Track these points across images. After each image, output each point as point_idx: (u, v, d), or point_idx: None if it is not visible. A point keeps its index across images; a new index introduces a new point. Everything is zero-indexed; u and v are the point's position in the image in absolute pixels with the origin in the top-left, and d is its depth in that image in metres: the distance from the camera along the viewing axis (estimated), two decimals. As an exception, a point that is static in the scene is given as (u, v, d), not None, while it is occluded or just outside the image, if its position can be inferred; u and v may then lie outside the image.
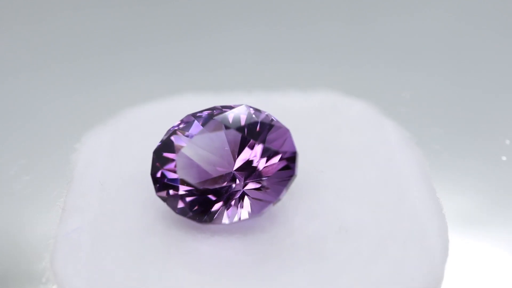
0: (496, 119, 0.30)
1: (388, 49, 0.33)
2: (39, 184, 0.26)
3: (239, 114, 0.23)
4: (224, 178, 0.22)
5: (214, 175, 0.22)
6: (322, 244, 0.22)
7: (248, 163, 0.22)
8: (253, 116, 0.23)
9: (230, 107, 0.23)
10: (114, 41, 0.33)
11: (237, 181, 0.22)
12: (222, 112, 0.23)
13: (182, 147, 0.22)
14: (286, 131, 0.23)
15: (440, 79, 0.32)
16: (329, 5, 0.36)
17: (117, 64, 0.32)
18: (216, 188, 0.22)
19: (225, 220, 0.23)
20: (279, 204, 0.24)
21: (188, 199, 0.22)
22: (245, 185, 0.22)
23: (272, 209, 0.24)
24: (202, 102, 0.28)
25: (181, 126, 0.23)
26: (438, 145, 0.28)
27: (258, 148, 0.22)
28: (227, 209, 0.22)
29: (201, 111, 0.23)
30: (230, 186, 0.22)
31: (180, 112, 0.27)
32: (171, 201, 0.22)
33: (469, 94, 0.32)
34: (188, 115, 0.23)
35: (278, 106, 0.29)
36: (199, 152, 0.22)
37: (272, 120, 0.23)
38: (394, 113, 0.28)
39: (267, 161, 0.23)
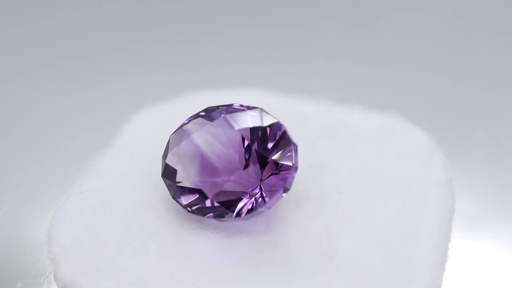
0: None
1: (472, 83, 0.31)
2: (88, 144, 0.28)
3: (250, 116, 0.23)
4: (227, 173, 0.22)
5: (218, 167, 0.22)
6: (299, 264, 0.22)
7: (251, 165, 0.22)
8: (262, 121, 0.23)
9: (249, 108, 0.23)
10: (189, 31, 0.35)
11: (240, 180, 0.22)
12: (238, 110, 0.23)
13: (192, 133, 0.23)
14: (292, 144, 0.22)
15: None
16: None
17: (191, 51, 0.33)
18: (216, 182, 0.22)
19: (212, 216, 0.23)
20: (280, 214, 0.23)
21: (182, 188, 0.23)
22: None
23: (270, 218, 0.23)
24: (268, 101, 0.29)
25: (200, 114, 0.23)
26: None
27: (259, 154, 0.22)
28: (219, 207, 0.23)
29: (223, 106, 0.23)
30: (229, 184, 0.22)
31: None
32: (169, 186, 0.23)
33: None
34: (209, 107, 0.24)
35: (337, 119, 0.28)
36: (209, 141, 0.22)
37: (283, 131, 0.23)
38: (452, 147, 0.27)
39: (266, 168, 0.22)
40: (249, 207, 0.22)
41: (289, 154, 0.22)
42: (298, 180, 0.25)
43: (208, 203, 0.22)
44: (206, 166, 0.22)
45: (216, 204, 0.22)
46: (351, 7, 0.36)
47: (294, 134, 0.27)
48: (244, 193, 0.22)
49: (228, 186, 0.22)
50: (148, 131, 0.27)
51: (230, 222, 0.23)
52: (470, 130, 0.29)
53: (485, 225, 0.25)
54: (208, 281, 0.21)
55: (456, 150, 0.27)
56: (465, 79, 0.31)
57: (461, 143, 0.28)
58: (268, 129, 0.22)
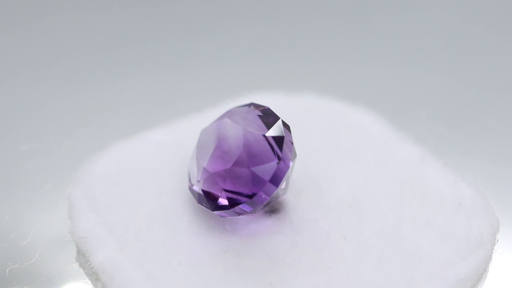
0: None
1: None
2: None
3: (273, 123, 0.22)
4: (230, 163, 0.22)
5: (226, 155, 0.23)
6: (239, 278, 0.21)
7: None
8: (282, 131, 0.22)
9: (274, 114, 0.23)
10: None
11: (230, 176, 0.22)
12: (270, 114, 0.23)
13: (224, 117, 0.23)
14: (288, 167, 0.22)
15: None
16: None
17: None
18: (209, 171, 0.23)
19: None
20: (270, 230, 0.23)
21: (192, 166, 0.24)
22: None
23: (260, 226, 0.23)
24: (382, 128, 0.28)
25: (247, 105, 0.24)
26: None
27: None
28: (202, 195, 0.23)
29: (263, 105, 0.23)
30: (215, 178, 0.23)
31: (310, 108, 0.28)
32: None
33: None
34: (251, 102, 0.24)
35: (420, 171, 0.25)
36: (234, 130, 0.23)
37: (283, 149, 0.22)
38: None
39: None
40: (220, 204, 0.22)
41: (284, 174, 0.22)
42: (318, 209, 0.24)
43: (196, 188, 0.23)
44: (218, 148, 0.23)
45: (201, 191, 0.23)
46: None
47: (366, 166, 0.25)
48: (223, 191, 0.22)
49: (214, 179, 0.23)
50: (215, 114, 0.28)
51: (214, 215, 0.23)
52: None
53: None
54: (150, 254, 0.22)
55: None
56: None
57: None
58: (271, 139, 0.22)
